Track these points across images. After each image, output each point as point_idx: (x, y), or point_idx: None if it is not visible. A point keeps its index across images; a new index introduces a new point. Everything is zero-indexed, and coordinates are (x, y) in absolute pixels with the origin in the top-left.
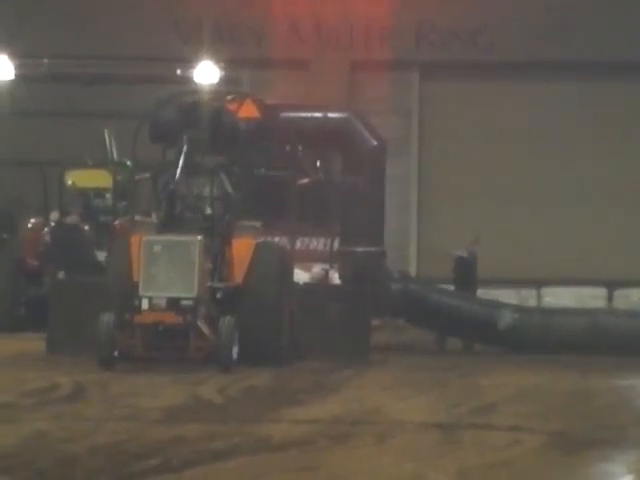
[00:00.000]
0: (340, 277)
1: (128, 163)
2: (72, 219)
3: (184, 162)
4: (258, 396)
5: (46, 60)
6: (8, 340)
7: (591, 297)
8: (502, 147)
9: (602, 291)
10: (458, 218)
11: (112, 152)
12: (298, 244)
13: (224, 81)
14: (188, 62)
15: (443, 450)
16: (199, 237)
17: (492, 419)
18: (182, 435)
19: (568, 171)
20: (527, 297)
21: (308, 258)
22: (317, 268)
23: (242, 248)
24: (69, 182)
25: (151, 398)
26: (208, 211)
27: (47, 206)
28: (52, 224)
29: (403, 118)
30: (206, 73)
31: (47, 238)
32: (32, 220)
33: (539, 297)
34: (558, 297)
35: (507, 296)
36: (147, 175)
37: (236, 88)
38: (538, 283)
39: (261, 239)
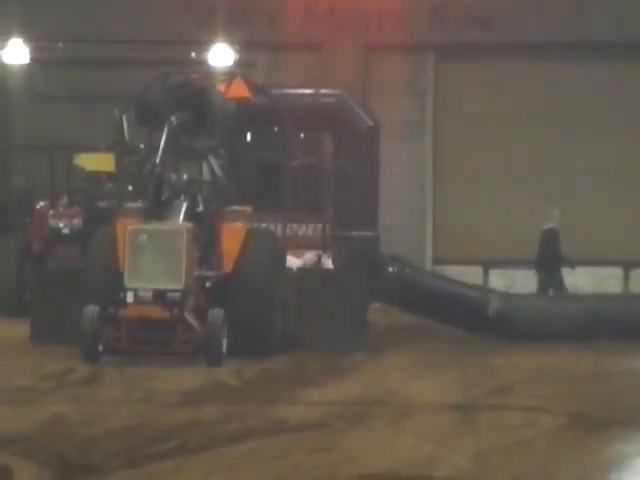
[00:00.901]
0: (334, 263)
1: (141, 146)
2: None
3: (171, 145)
4: (274, 378)
5: (61, 44)
6: (17, 324)
7: (608, 277)
8: (517, 130)
9: (619, 271)
10: (473, 201)
11: (125, 135)
12: (290, 230)
13: (238, 64)
14: (203, 45)
15: (460, 431)
16: (187, 225)
17: (509, 400)
18: (199, 417)
19: (584, 154)
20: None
21: (300, 244)
22: (310, 254)
23: (232, 234)
24: (78, 165)
25: (168, 381)
26: (196, 196)
27: (55, 190)
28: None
29: (418, 100)
30: (221, 56)
31: (52, 222)
32: (40, 204)
33: None
34: (576, 277)
35: (526, 276)
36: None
37: (248, 70)
38: None
39: (252, 225)
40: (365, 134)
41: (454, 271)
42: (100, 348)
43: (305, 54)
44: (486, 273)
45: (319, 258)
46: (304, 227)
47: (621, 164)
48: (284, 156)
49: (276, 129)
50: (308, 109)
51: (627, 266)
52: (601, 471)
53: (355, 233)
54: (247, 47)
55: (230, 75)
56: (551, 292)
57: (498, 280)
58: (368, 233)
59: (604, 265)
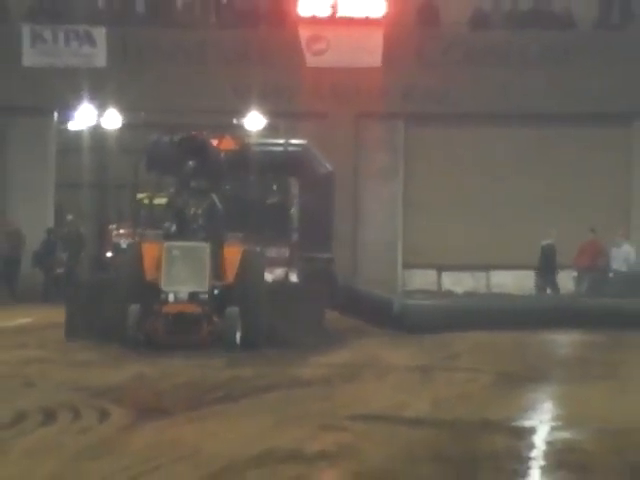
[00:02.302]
0: (297, 277)
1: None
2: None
3: (186, 186)
4: (292, 348)
5: (143, 113)
6: None
7: (525, 278)
8: (465, 174)
9: (530, 275)
10: (431, 224)
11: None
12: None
13: (267, 128)
14: (241, 113)
15: (423, 385)
16: (207, 244)
17: (456, 363)
18: (239, 375)
19: (511, 190)
20: (479, 278)
21: (271, 263)
22: (279, 270)
23: (232, 253)
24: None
25: (213, 353)
26: (203, 224)
27: (124, 218)
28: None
29: (393, 154)
30: (254, 122)
31: (115, 239)
32: (110, 226)
33: (488, 278)
34: (501, 278)
35: (464, 278)
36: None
37: (273, 133)
38: (487, 268)
39: (245, 247)
40: (323, 178)
41: (417, 273)
42: (142, 338)
43: (313, 120)
44: (439, 275)
45: (286, 273)
46: (274, 249)
47: (530, 198)
48: (260, 194)
49: (254, 174)
50: (279, 157)
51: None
52: (520, 412)
53: (314, 255)
54: (272, 115)
55: (221, 134)
56: (549, 291)
57: (448, 280)
58: (325, 255)
59: (521, 269)
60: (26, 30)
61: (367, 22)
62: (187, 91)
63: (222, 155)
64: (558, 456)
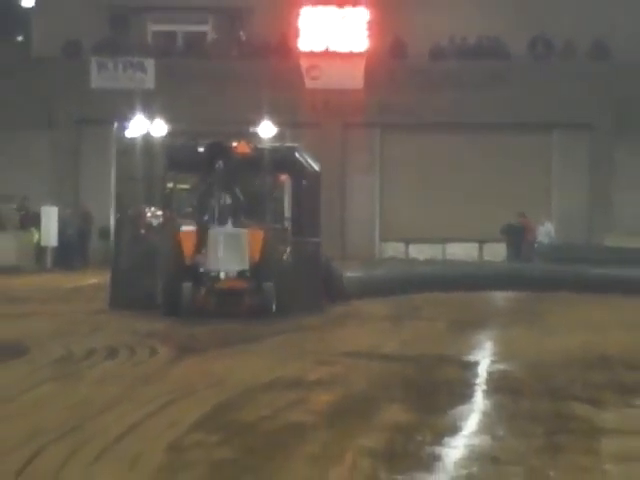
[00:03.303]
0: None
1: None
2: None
3: (221, 181)
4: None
5: (181, 123)
6: None
7: (471, 248)
8: (427, 170)
9: (476, 246)
10: (401, 207)
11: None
12: None
13: (276, 135)
14: (256, 124)
15: (393, 330)
16: (245, 230)
17: (419, 313)
18: (256, 326)
19: (461, 182)
20: (436, 249)
21: None
22: None
23: (255, 237)
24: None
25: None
26: (232, 213)
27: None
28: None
29: (371, 155)
30: (266, 130)
31: (148, 219)
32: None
33: (443, 249)
34: (453, 249)
35: (426, 248)
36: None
37: (281, 139)
38: (443, 241)
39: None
40: (312, 175)
41: (390, 245)
42: (194, 310)
43: (311, 129)
44: (407, 246)
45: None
46: None
47: (476, 188)
48: (265, 188)
49: (260, 172)
50: (276, 157)
51: (481, 242)
52: (467, 349)
53: (304, 239)
54: (280, 125)
55: (238, 140)
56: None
57: (413, 250)
58: (314, 239)
59: (469, 242)
60: (94, 61)
61: (352, 55)
62: (214, 106)
63: (239, 157)
64: (495, 383)
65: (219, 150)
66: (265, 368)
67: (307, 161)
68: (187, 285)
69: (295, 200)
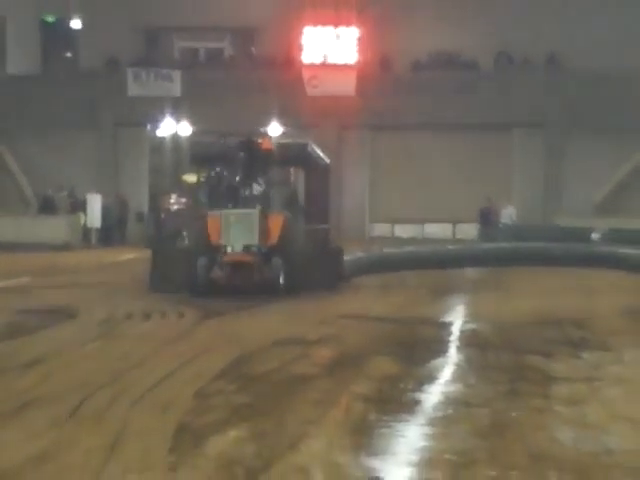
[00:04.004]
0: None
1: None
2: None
3: (244, 172)
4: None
5: (204, 124)
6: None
7: (447, 229)
8: (409, 163)
9: (450, 226)
10: (387, 195)
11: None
12: None
13: (282, 134)
14: (266, 124)
15: (382, 296)
16: (257, 209)
17: (404, 283)
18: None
19: (438, 173)
20: (417, 228)
21: None
22: None
23: (275, 220)
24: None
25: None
26: (254, 199)
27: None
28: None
29: (362, 151)
30: (274, 130)
31: (170, 204)
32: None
33: (423, 228)
34: (431, 229)
35: (408, 228)
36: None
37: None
38: (423, 221)
39: (285, 215)
40: (322, 168)
41: (378, 225)
42: (208, 285)
43: (311, 129)
44: (392, 226)
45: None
46: None
47: (450, 178)
48: (283, 179)
49: (279, 165)
50: (293, 152)
51: (454, 222)
52: (443, 312)
53: (315, 226)
54: (285, 126)
55: (263, 136)
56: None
57: (397, 229)
58: (323, 226)
59: (445, 222)
60: (130, 73)
61: (345, 67)
62: (230, 110)
63: (264, 152)
64: (466, 339)
65: (249, 146)
66: (275, 328)
67: (318, 155)
68: (201, 259)
69: (307, 190)
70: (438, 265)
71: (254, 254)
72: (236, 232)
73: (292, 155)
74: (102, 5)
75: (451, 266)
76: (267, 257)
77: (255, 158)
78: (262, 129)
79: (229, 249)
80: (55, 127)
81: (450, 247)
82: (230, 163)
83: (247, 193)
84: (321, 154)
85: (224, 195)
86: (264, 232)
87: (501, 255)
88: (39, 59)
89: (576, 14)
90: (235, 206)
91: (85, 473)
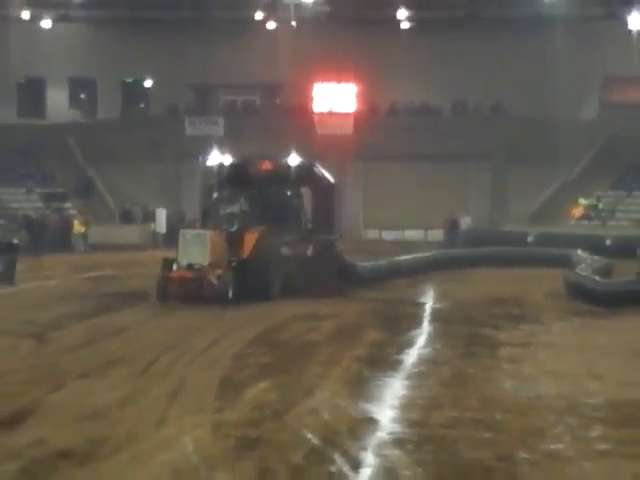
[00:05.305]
0: (312, 251)
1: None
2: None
3: (229, 192)
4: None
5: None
6: None
7: (420, 234)
8: (394, 183)
9: (423, 231)
10: (377, 208)
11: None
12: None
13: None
14: (286, 155)
15: (373, 285)
16: (210, 232)
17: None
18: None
19: (414, 193)
20: (399, 233)
21: (293, 242)
22: (300, 247)
23: (250, 236)
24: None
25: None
26: (235, 219)
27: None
28: None
29: (357, 175)
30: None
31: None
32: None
33: (403, 233)
34: (410, 234)
35: (392, 233)
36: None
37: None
38: (403, 228)
39: (262, 232)
40: (328, 186)
41: (369, 231)
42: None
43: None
44: (380, 232)
45: (304, 249)
46: (296, 234)
47: (422, 197)
48: (286, 198)
49: (284, 184)
50: (300, 172)
51: (426, 229)
52: (418, 295)
53: (323, 237)
54: (302, 157)
55: (262, 158)
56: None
57: (385, 234)
58: (331, 237)
59: (417, 229)
60: (187, 120)
61: (345, 114)
62: (260, 145)
63: (263, 172)
64: (435, 315)
65: (241, 168)
66: (293, 307)
67: (323, 175)
68: (159, 274)
69: (314, 206)
70: (415, 271)
71: (196, 271)
72: (190, 250)
73: (299, 175)
74: (166, 69)
75: (425, 270)
76: (241, 269)
77: (251, 178)
78: (283, 158)
79: (174, 266)
80: (132, 159)
81: (419, 255)
82: (229, 184)
83: (229, 211)
84: (327, 174)
85: (210, 214)
86: (236, 247)
87: (461, 259)
88: (120, 109)
89: (516, 72)
90: (216, 224)
91: (155, 414)
